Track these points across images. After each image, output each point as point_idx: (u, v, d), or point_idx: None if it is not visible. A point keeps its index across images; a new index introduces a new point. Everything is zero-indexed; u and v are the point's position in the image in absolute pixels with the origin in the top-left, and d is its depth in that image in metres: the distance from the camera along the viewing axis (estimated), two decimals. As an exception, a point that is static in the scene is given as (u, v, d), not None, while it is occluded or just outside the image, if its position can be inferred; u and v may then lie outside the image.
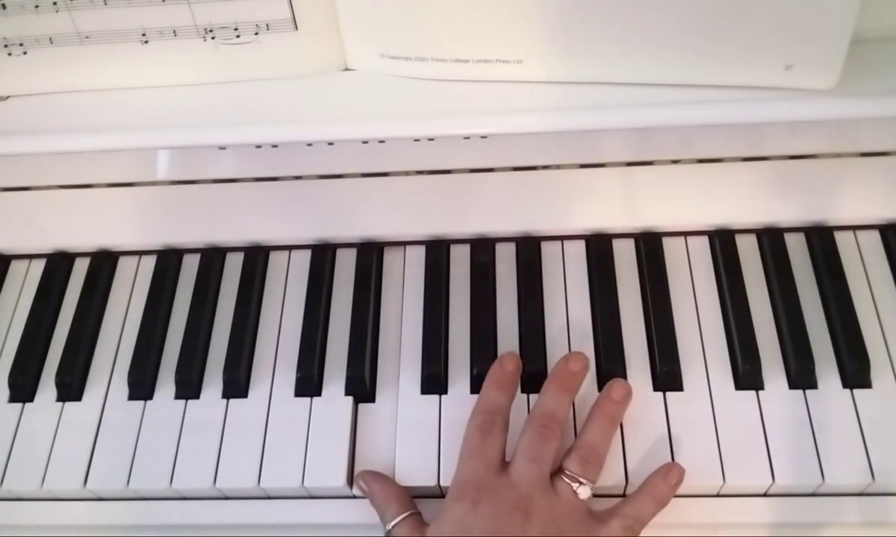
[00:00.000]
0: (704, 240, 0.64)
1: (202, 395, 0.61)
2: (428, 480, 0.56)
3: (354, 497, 0.57)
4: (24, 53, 0.58)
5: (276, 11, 0.55)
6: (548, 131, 0.56)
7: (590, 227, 0.65)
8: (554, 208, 0.64)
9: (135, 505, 0.59)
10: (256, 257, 0.66)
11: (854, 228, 0.63)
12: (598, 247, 0.64)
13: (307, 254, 0.66)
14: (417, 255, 0.65)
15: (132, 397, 0.61)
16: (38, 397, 0.62)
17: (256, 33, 0.56)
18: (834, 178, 0.62)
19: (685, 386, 0.58)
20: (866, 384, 0.57)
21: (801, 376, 0.57)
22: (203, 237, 0.67)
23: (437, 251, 0.65)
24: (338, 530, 0.58)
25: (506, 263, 0.64)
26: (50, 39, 0.57)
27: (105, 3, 0.54)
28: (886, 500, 0.55)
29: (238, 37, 0.56)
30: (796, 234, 0.63)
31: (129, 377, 0.62)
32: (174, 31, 0.56)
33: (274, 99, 0.58)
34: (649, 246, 0.63)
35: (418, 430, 0.58)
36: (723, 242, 0.63)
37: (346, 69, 0.59)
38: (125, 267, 0.68)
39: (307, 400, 0.60)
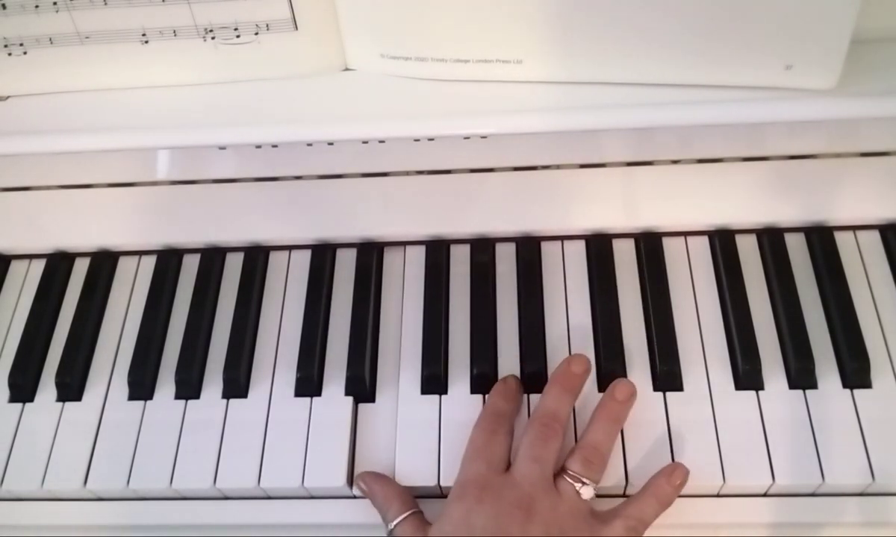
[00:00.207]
0: (704, 240, 0.64)
1: (202, 395, 0.61)
2: (428, 480, 0.56)
3: (354, 497, 0.57)
4: (24, 53, 0.58)
5: (276, 11, 0.55)
6: (548, 131, 0.56)
7: (590, 227, 0.65)
8: (554, 208, 0.64)
9: (135, 506, 0.59)
10: (256, 257, 0.66)
11: (854, 228, 0.63)
12: (599, 247, 0.64)
13: (307, 254, 0.66)
14: (417, 255, 0.65)
15: (132, 397, 0.61)
16: (38, 397, 0.62)
17: (256, 33, 0.56)
18: (834, 178, 0.62)
19: (685, 386, 0.58)
20: (866, 384, 0.57)
21: (801, 376, 0.57)
22: (203, 237, 0.67)
23: (437, 251, 0.65)
24: (338, 530, 0.58)
25: (506, 263, 0.64)
26: (50, 39, 0.57)
27: (105, 3, 0.54)
28: (886, 500, 0.55)
29: (238, 37, 0.56)
30: (796, 234, 0.63)
31: (129, 377, 0.62)
32: (174, 31, 0.56)
33: (274, 99, 0.58)
34: (649, 246, 0.63)
35: (418, 430, 0.58)
36: (723, 242, 0.63)
37: (346, 69, 0.59)
38: (125, 267, 0.68)
39: (307, 400, 0.60)
